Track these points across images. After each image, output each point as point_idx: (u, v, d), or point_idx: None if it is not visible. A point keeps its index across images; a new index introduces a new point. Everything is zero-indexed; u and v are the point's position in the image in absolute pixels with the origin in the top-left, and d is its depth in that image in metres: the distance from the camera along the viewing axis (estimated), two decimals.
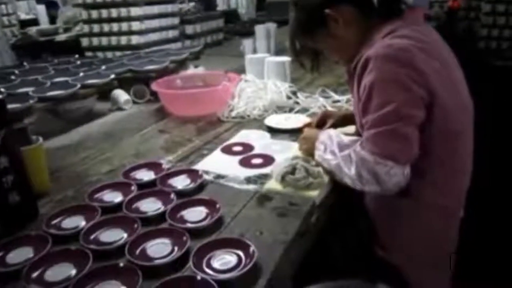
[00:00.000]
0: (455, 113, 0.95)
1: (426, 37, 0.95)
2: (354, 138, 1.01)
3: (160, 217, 0.92)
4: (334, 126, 1.28)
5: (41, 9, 4.85)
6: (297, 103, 1.65)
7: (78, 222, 0.93)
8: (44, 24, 4.58)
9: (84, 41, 2.76)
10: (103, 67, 1.92)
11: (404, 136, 0.89)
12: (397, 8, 0.98)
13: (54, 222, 0.93)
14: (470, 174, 1.04)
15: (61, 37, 3.60)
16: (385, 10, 0.97)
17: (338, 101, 1.64)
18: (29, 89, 1.58)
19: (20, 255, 0.83)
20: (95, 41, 2.71)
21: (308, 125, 1.34)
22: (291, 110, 1.61)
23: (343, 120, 1.29)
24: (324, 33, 1.03)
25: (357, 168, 0.92)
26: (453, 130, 0.95)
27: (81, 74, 1.80)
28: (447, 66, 0.97)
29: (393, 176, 0.89)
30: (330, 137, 1.03)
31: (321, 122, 1.31)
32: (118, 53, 2.54)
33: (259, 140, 1.34)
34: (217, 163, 1.20)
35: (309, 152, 1.12)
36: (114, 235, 0.87)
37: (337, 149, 0.99)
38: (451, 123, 0.94)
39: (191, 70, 2.11)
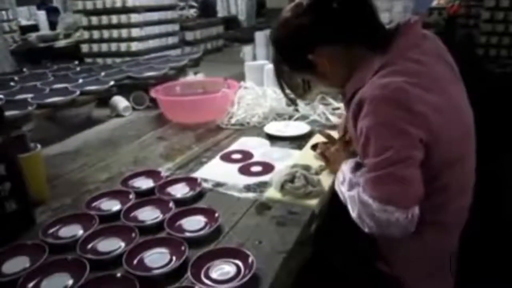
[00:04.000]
0: (460, 139, 0.93)
1: (421, 65, 0.90)
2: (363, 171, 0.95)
3: (158, 226, 0.92)
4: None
5: (42, 15, 4.88)
6: (297, 110, 1.64)
7: (76, 231, 0.92)
8: (45, 30, 4.60)
9: (84, 47, 2.77)
10: (103, 73, 1.92)
11: (402, 179, 0.85)
12: (383, 38, 0.93)
13: (51, 231, 0.92)
14: (472, 189, 1.03)
15: (61, 43, 3.61)
16: (371, 40, 0.93)
17: (338, 108, 1.64)
18: (28, 96, 1.58)
19: (16, 264, 0.82)
20: (95, 47, 2.72)
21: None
22: (290, 117, 1.60)
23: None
24: (310, 72, 0.99)
25: (359, 211, 0.90)
26: (458, 156, 0.93)
27: (81, 80, 1.80)
28: (445, 92, 0.92)
29: (394, 223, 0.85)
30: (346, 171, 0.99)
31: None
32: (117, 60, 2.55)
33: (258, 148, 1.34)
34: (216, 171, 1.20)
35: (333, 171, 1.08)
36: (111, 245, 0.86)
37: (347, 186, 0.96)
38: (456, 150, 0.92)
39: (190, 77, 2.11)
